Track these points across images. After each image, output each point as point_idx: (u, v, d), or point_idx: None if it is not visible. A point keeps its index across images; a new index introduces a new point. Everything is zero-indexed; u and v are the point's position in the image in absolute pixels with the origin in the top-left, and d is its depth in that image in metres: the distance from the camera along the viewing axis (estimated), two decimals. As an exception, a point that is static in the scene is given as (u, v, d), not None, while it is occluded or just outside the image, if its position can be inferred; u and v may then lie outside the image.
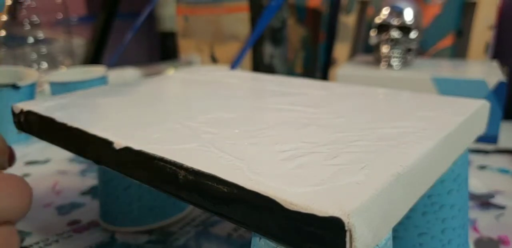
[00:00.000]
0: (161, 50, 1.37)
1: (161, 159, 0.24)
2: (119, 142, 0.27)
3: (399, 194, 0.21)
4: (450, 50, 0.80)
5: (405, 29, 0.66)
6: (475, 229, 0.42)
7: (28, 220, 0.45)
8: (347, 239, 0.17)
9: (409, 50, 0.68)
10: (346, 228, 0.17)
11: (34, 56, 1.01)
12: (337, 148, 0.24)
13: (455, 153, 0.29)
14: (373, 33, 0.69)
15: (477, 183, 0.52)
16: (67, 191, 0.53)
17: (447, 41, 0.80)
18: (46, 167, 0.61)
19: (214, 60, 1.00)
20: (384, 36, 0.67)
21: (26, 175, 0.58)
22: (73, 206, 0.49)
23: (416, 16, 0.66)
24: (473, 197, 0.48)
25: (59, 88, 0.70)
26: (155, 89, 0.42)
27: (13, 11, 0.98)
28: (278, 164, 0.22)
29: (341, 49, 0.89)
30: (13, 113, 0.37)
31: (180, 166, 0.23)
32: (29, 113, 0.35)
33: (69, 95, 0.40)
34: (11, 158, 0.32)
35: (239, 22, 0.93)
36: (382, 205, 0.19)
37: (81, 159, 0.63)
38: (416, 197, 0.23)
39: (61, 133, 0.32)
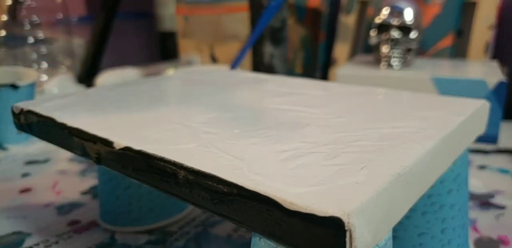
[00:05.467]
0: (161, 50, 1.37)
1: (161, 159, 0.24)
2: (119, 142, 0.27)
3: (399, 194, 0.21)
4: (450, 50, 0.80)
5: (405, 29, 0.66)
6: (475, 229, 0.42)
7: (28, 220, 0.45)
8: (347, 239, 0.17)
9: (409, 50, 0.68)
10: (346, 228, 0.17)
11: (34, 56, 1.01)
12: (337, 148, 0.24)
13: (455, 153, 0.29)
14: (373, 33, 0.69)
15: (477, 183, 0.52)
16: (67, 191, 0.53)
17: (447, 41, 0.80)
18: (46, 167, 0.61)
19: (214, 60, 1.00)
20: (384, 36, 0.67)
21: (26, 175, 0.58)
22: (73, 206, 0.49)
23: (416, 16, 0.67)
24: (473, 197, 0.48)
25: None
26: (155, 89, 0.42)
27: (13, 11, 0.98)
28: (278, 164, 0.22)
29: (341, 49, 0.89)
30: (13, 113, 0.37)
31: (180, 166, 0.23)
32: (29, 113, 0.35)
33: (69, 95, 0.40)
34: None
35: (239, 22, 0.93)
36: (382, 205, 0.19)
37: (81, 159, 0.63)
38: (416, 197, 0.23)
39: (61, 133, 0.32)
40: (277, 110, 0.33)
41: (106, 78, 0.94)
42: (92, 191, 0.52)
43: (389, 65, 0.68)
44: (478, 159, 0.60)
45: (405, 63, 0.68)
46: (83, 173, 0.58)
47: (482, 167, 0.57)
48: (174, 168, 0.23)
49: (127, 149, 0.26)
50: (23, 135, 0.70)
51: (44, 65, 1.02)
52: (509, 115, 0.80)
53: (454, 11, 0.79)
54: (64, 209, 0.48)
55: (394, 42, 0.67)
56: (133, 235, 0.42)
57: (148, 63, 1.14)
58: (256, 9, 0.85)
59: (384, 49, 0.68)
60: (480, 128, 0.34)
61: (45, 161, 0.63)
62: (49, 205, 0.49)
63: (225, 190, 0.20)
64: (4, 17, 0.97)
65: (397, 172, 0.21)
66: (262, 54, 0.86)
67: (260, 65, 0.87)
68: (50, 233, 0.43)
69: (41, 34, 1.02)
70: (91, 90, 0.42)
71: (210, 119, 0.31)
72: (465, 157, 0.33)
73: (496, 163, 0.58)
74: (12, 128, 0.68)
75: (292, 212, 0.18)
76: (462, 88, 0.61)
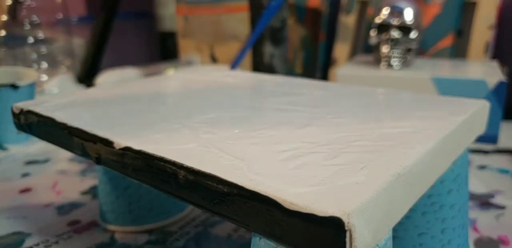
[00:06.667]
0: (161, 50, 1.37)
1: (161, 159, 0.24)
2: (119, 142, 0.27)
3: (399, 194, 0.21)
4: (450, 50, 0.80)
5: (405, 29, 0.66)
6: (475, 229, 0.42)
7: (28, 220, 0.45)
8: (347, 239, 0.17)
9: (409, 50, 0.68)
10: (346, 228, 0.17)
11: (34, 56, 1.01)
12: (337, 148, 0.24)
13: (455, 153, 0.29)
14: (373, 33, 0.69)
15: (477, 183, 0.52)
16: (67, 191, 0.53)
17: (447, 41, 0.80)
18: (46, 167, 0.61)
19: (214, 60, 1.00)
20: (384, 36, 0.67)
21: (26, 175, 0.58)
22: (73, 206, 0.49)
23: (416, 16, 0.67)
24: (473, 197, 0.48)
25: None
26: (155, 89, 0.42)
27: (13, 11, 0.98)
28: (278, 164, 0.22)
29: (341, 49, 0.89)
30: (13, 113, 0.37)
31: (180, 166, 0.23)
32: (29, 113, 0.35)
33: (69, 95, 0.40)
34: None
35: (239, 22, 0.93)
36: (382, 205, 0.19)
37: (81, 159, 0.63)
38: (416, 197, 0.23)
39: (61, 133, 0.32)
40: (277, 110, 0.33)
41: (106, 78, 0.94)
42: (92, 191, 0.52)
43: (389, 65, 0.68)
44: (478, 159, 0.60)
45: (405, 63, 0.68)
46: (83, 173, 0.58)
47: (482, 167, 0.57)
48: (174, 168, 0.23)
49: (127, 149, 0.26)
50: (23, 135, 0.70)
51: (44, 65, 1.02)
52: (509, 115, 0.80)
53: (454, 11, 0.79)
54: (64, 209, 0.48)
55: (394, 42, 0.67)
56: (133, 235, 0.42)
57: (148, 63, 1.14)
58: (256, 9, 0.85)
59: (384, 49, 0.68)
60: (480, 128, 0.33)
61: (45, 161, 0.63)
62: (49, 205, 0.49)
63: (225, 190, 0.20)
64: (4, 17, 0.97)
65: (397, 172, 0.21)
66: (262, 54, 0.86)
67: (260, 65, 0.87)
68: (50, 233, 0.43)
69: (41, 34, 1.02)
70: (91, 90, 0.42)
71: (210, 119, 0.31)
72: (465, 157, 0.33)
73: (496, 163, 0.58)
74: (12, 128, 0.68)
75: (292, 212, 0.18)
76: (462, 88, 0.61)
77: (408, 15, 0.66)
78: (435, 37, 0.81)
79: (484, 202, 0.47)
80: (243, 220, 0.20)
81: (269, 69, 0.87)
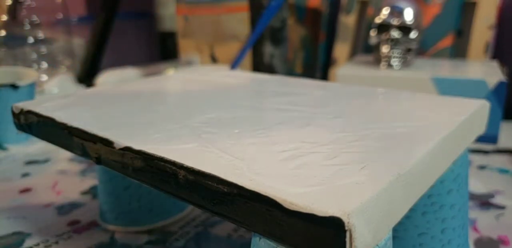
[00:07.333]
0: (161, 50, 1.37)
1: (161, 159, 0.24)
2: (119, 142, 0.27)
3: (399, 194, 0.21)
4: (450, 50, 0.80)
5: (405, 29, 0.66)
6: (475, 229, 0.42)
7: (28, 220, 0.45)
8: (347, 239, 0.17)
9: (409, 50, 0.68)
10: (346, 228, 0.17)
11: (34, 56, 1.01)
12: (337, 148, 0.24)
13: (455, 153, 0.29)
14: (373, 33, 0.69)
15: (477, 183, 0.52)
16: (67, 191, 0.53)
17: (447, 41, 0.80)
18: (46, 167, 0.61)
19: (214, 60, 1.00)
20: (384, 36, 0.67)
21: (26, 175, 0.58)
22: (73, 206, 0.49)
23: (416, 16, 0.67)
24: (473, 197, 0.48)
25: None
26: (155, 89, 0.42)
27: (13, 11, 0.98)
28: (278, 164, 0.22)
29: (341, 49, 0.89)
30: (13, 113, 0.37)
31: (180, 166, 0.23)
32: (29, 113, 0.35)
33: (69, 95, 0.40)
34: None
35: (239, 22, 0.93)
36: (382, 205, 0.19)
37: (81, 159, 0.63)
38: (416, 197, 0.23)
39: (61, 133, 0.32)
40: (277, 110, 0.33)
41: (106, 78, 0.94)
42: (92, 191, 0.52)
43: (389, 65, 0.68)
44: (478, 159, 0.60)
45: (405, 63, 0.68)
46: (83, 173, 0.58)
47: (482, 167, 0.57)
48: (174, 168, 0.23)
49: (127, 149, 0.26)
50: (23, 135, 0.70)
51: (44, 65, 1.02)
52: (509, 115, 0.80)
53: (454, 11, 0.79)
54: (64, 209, 0.48)
55: (394, 42, 0.67)
56: (133, 235, 0.42)
57: (148, 63, 1.14)
58: (256, 9, 0.85)
59: (384, 49, 0.68)
60: (480, 128, 0.34)
61: (45, 161, 0.63)
62: (49, 205, 0.49)
63: (225, 190, 0.20)
64: (4, 17, 0.97)
65: (397, 172, 0.21)
66: (262, 54, 0.86)
67: (260, 65, 0.87)
68: (50, 233, 0.43)
69: (41, 34, 1.02)
70: (91, 90, 0.42)
71: (210, 119, 0.31)
72: (465, 157, 0.33)
73: (496, 163, 0.58)
74: (12, 128, 0.68)
75: (292, 212, 0.18)
76: (462, 88, 0.61)
77: (408, 15, 0.66)
78: (435, 37, 0.81)
79: (484, 202, 0.47)
80: (243, 220, 0.20)
81: (269, 69, 0.87)
